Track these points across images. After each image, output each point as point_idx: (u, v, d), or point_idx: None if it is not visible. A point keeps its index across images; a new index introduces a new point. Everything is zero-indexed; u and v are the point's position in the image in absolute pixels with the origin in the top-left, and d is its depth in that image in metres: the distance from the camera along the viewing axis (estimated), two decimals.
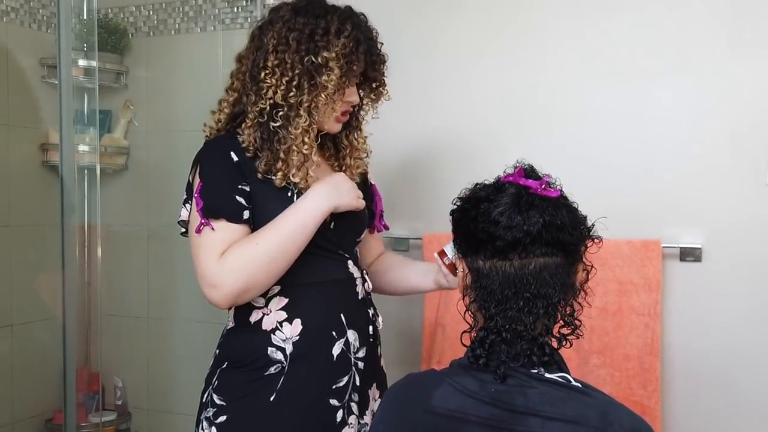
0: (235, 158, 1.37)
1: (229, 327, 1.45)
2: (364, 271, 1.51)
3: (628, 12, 1.76)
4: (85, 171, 2.35)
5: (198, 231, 1.33)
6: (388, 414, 1.08)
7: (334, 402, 1.39)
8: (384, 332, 2.00)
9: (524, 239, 0.98)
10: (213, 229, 1.32)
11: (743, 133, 1.67)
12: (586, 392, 0.98)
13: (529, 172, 1.05)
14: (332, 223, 1.41)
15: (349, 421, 1.41)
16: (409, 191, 1.99)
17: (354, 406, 1.41)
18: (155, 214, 2.35)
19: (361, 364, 1.42)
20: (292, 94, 1.34)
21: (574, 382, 0.99)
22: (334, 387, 1.38)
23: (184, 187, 1.42)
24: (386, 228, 1.66)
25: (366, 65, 1.40)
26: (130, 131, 2.39)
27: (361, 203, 1.42)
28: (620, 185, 1.76)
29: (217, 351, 1.45)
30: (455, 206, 1.08)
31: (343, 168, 1.50)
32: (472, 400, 0.99)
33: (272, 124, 1.36)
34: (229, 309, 1.44)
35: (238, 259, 1.30)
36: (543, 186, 1.02)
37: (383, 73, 1.45)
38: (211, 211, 1.33)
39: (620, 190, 1.76)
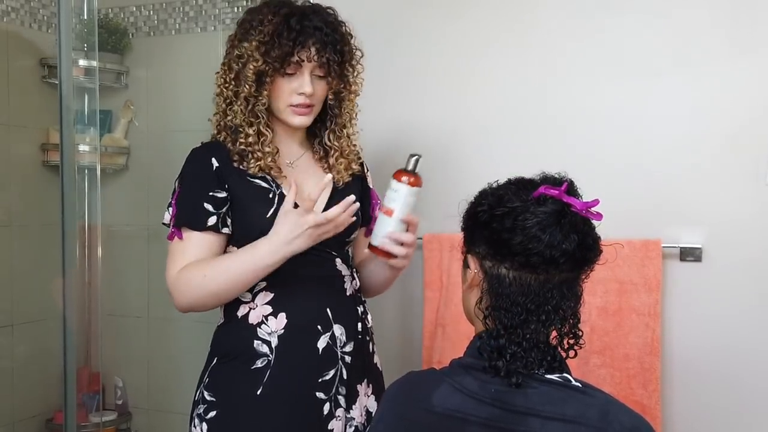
0: (216, 164, 1.42)
1: (219, 323, 1.49)
2: (354, 270, 1.53)
3: (628, 11, 1.76)
4: (86, 171, 2.35)
5: (169, 238, 1.42)
6: (388, 413, 1.08)
7: (320, 395, 1.41)
8: (384, 332, 2.01)
9: (560, 258, 0.98)
10: (180, 238, 1.40)
11: (743, 133, 1.67)
12: (585, 392, 0.98)
13: (571, 187, 1.03)
14: None
15: (337, 414, 1.42)
16: None
17: (341, 399, 1.43)
18: (156, 214, 2.33)
19: (348, 359, 1.44)
20: (231, 86, 1.42)
21: (574, 382, 0.99)
22: (320, 380, 1.41)
23: None
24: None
25: (316, 54, 1.39)
26: (130, 131, 2.39)
27: (320, 238, 1.34)
28: (620, 185, 1.76)
29: (210, 349, 1.48)
30: (483, 208, 1.04)
31: (330, 168, 1.51)
32: (473, 400, 0.99)
33: (226, 119, 1.43)
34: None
35: (187, 282, 1.37)
36: (588, 208, 1.01)
37: (342, 64, 1.45)
38: (178, 219, 1.41)
39: (620, 190, 1.76)
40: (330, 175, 1.38)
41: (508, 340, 1.00)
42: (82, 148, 2.25)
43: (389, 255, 1.40)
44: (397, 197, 1.37)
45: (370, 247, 1.41)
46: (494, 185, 1.08)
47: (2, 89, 2.18)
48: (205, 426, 1.40)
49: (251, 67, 1.38)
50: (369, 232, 1.61)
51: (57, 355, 1.82)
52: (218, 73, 1.46)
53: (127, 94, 2.39)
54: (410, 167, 1.38)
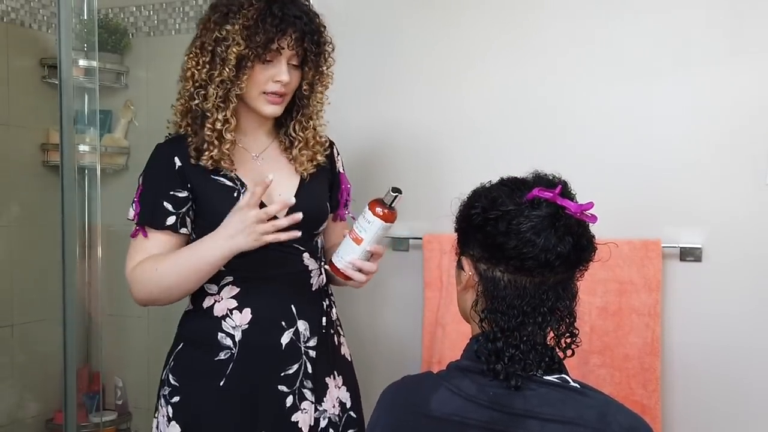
0: (179, 163, 1.42)
1: (187, 309, 1.51)
2: (322, 263, 1.53)
3: (628, 12, 1.75)
4: (86, 171, 2.35)
5: (132, 235, 1.44)
6: (385, 417, 1.07)
7: (282, 388, 1.43)
8: (384, 332, 2.02)
9: (555, 261, 0.97)
10: (144, 236, 1.41)
11: (743, 133, 1.67)
12: (584, 393, 0.98)
13: (565, 189, 1.02)
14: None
15: (302, 407, 1.44)
16: (409, 191, 1.98)
17: (307, 393, 1.45)
18: None
19: (312, 353, 1.46)
20: (205, 70, 1.40)
21: (572, 383, 0.99)
22: (282, 374, 1.43)
23: None
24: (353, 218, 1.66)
25: (295, 43, 1.40)
26: (130, 131, 2.39)
27: (263, 241, 1.32)
28: (620, 185, 1.76)
29: (176, 332, 1.52)
30: (476, 210, 1.03)
31: (294, 159, 1.50)
32: (471, 404, 0.99)
33: (193, 103, 1.41)
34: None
35: (141, 276, 1.40)
36: (582, 210, 1.00)
37: (318, 54, 1.45)
38: (141, 218, 1.42)
39: (620, 190, 1.76)
40: (271, 176, 1.34)
41: (506, 343, 0.99)
42: (82, 148, 2.25)
43: (348, 278, 1.41)
44: (369, 228, 1.38)
45: (331, 265, 1.42)
46: (486, 185, 1.06)
47: (2, 89, 2.19)
48: (169, 408, 1.44)
49: (234, 50, 1.36)
50: (337, 218, 1.62)
51: (57, 356, 1.82)
52: (189, 56, 1.44)
53: (127, 94, 2.39)
54: (388, 201, 1.38)
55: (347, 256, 1.40)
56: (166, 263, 1.38)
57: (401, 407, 1.05)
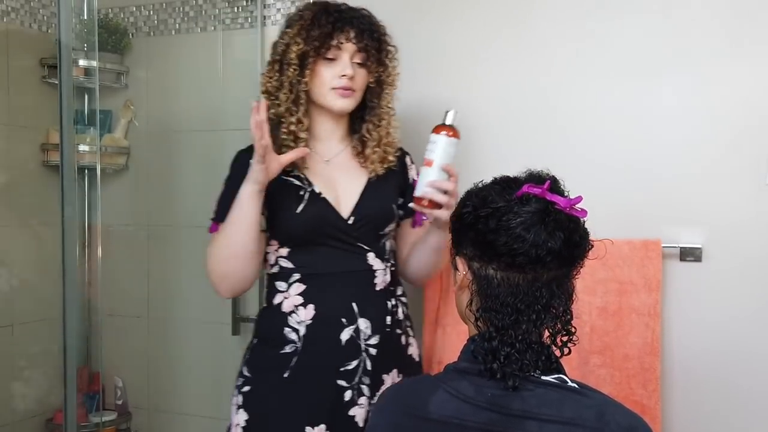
0: None
1: (262, 307, 1.62)
2: (391, 265, 1.58)
3: (629, 12, 1.76)
4: (86, 171, 2.35)
5: (210, 230, 1.56)
6: (383, 420, 1.07)
7: (342, 383, 1.48)
8: None
9: (546, 257, 0.98)
10: (215, 230, 1.53)
11: (743, 133, 1.67)
12: (582, 392, 0.98)
13: (554, 185, 1.03)
14: (350, 218, 1.52)
15: (359, 402, 1.49)
16: None
17: (365, 389, 1.50)
18: (155, 214, 2.35)
19: (373, 351, 1.50)
20: (275, 78, 1.50)
21: (570, 383, 0.99)
22: (342, 369, 1.49)
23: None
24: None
25: (355, 38, 1.49)
26: (130, 131, 2.39)
27: (259, 169, 1.40)
28: (620, 185, 1.76)
29: (254, 328, 1.62)
30: (467, 209, 1.04)
31: (366, 160, 1.58)
32: (469, 406, 0.99)
33: (270, 112, 1.49)
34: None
35: (208, 256, 1.51)
36: (572, 205, 1.01)
37: (379, 50, 1.53)
38: (215, 214, 1.54)
39: (620, 190, 1.76)
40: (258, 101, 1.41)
41: (501, 342, 0.99)
42: (82, 148, 2.25)
43: (432, 205, 1.45)
44: (435, 148, 1.46)
45: (414, 199, 1.47)
46: (479, 185, 1.07)
47: (2, 89, 2.18)
48: (240, 398, 1.54)
49: (293, 49, 1.47)
50: (414, 224, 1.65)
51: (57, 355, 1.82)
52: (263, 74, 1.55)
53: (127, 94, 2.38)
54: (447, 121, 1.49)
55: (424, 181, 1.45)
56: (219, 232, 1.49)
57: (400, 410, 1.05)
